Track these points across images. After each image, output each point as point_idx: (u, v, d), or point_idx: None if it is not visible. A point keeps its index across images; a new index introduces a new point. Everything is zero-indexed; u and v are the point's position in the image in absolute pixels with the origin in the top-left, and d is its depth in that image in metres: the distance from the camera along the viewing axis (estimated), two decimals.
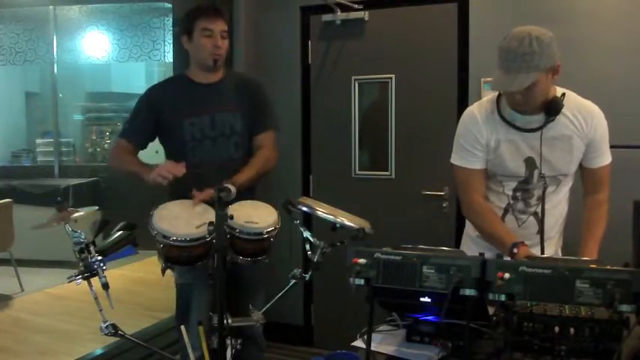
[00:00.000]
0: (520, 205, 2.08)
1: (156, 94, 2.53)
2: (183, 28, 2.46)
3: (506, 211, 2.10)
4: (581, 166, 2.08)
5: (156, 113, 2.46)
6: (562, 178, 2.06)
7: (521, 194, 2.07)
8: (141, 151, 2.52)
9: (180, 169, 2.17)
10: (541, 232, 2.06)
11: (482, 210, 2.07)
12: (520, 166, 2.02)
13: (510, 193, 2.08)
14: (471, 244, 2.21)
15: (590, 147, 2.02)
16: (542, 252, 2.04)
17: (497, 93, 2.05)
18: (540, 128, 1.95)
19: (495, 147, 2.02)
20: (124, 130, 2.57)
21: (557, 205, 2.11)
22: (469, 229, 2.27)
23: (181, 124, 2.42)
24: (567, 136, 1.99)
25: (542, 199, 2.04)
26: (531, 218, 2.08)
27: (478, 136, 2.03)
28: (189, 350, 1.83)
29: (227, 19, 2.48)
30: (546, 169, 2.01)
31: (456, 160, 2.11)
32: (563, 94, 1.95)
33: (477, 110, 2.07)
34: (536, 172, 2.02)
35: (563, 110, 1.94)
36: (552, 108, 1.92)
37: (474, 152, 2.05)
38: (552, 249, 2.14)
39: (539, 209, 2.06)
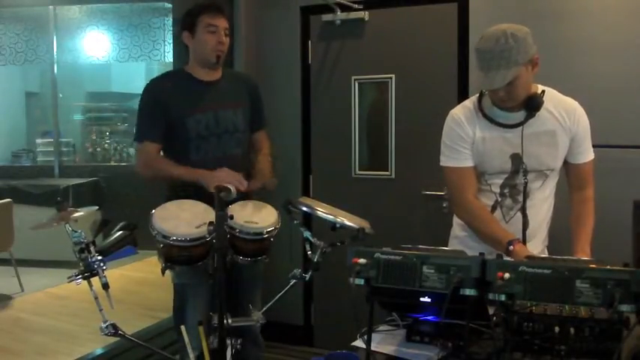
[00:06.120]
0: (508, 202, 2.10)
1: (158, 88, 2.47)
2: (185, 24, 2.45)
3: (494, 208, 2.12)
4: (565, 163, 2.10)
5: (162, 107, 2.40)
6: (549, 173, 2.09)
7: (509, 190, 2.09)
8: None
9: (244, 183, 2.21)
10: (524, 225, 2.06)
11: (476, 210, 2.08)
12: (506, 162, 2.04)
13: (498, 190, 2.10)
14: (458, 245, 2.20)
15: (574, 142, 2.06)
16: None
17: (478, 93, 2.08)
18: (522, 124, 1.97)
19: (480, 144, 2.04)
20: (141, 133, 2.43)
21: (545, 201, 2.13)
22: (456, 229, 2.27)
23: (186, 120, 2.40)
24: (551, 131, 2.02)
25: (523, 193, 2.05)
26: (519, 214, 2.09)
27: (462, 134, 2.06)
28: (189, 350, 1.83)
29: (228, 18, 2.50)
30: (533, 163, 2.03)
31: (444, 161, 2.12)
32: (543, 91, 1.99)
33: (459, 111, 2.10)
34: (522, 168, 2.04)
35: (546, 106, 1.97)
36: (532, 104, 1.95)
37: (460, 150, 2.07)
38: (539, 248, 2.14)
39: (527, 205, 2.07)
